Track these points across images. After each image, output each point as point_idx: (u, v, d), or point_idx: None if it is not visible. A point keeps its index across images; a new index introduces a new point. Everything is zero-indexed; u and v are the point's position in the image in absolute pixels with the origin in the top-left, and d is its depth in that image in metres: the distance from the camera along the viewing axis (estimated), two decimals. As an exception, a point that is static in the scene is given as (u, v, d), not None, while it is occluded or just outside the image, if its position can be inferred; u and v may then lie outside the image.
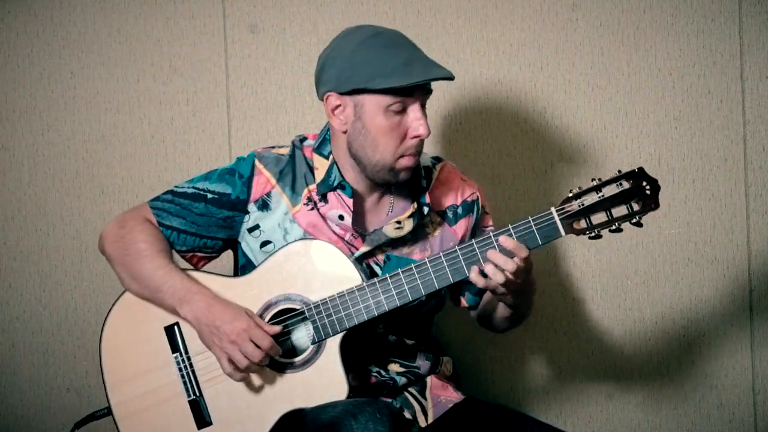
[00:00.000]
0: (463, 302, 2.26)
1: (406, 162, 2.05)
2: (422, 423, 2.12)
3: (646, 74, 2.67)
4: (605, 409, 2.71)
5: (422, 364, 2.18)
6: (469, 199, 2.23)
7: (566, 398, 2.71)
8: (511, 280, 1.96)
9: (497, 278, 1.95)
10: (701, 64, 2.66)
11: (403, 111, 2.03)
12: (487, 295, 2.22)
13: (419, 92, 2.03)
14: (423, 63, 2.03)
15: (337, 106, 2.06)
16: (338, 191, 2.12)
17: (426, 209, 2.15)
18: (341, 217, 2.11)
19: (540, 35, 2.68)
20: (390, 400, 2.12)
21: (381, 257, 2.13)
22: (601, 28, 2.67)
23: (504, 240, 1.95)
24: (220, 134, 2.70)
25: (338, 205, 2.12)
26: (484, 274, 1.96)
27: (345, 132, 2.08)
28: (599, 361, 2.70)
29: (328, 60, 2.07)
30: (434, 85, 2.06)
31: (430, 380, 2.19)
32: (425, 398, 2.16)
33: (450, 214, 2.21)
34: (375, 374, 2.13)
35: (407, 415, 2.12)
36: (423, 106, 2.05)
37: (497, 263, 1.95)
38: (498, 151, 2.69)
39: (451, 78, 2.02)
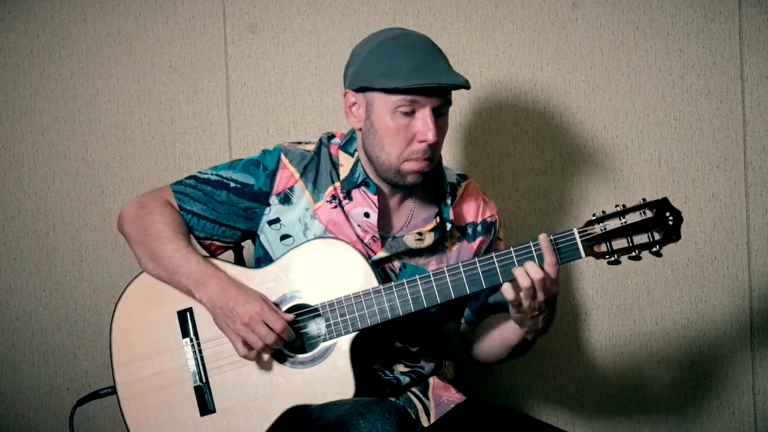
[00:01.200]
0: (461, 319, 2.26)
1: (412, 166, 2.05)
2: (425, 423, 2.12)
3: (646, 74, 2.67)
4: (605, 409, 2.70)
5: (426, 365, 2.19)
6: (489, 220, 2.23)
7: (566, 398, 2.71)
8: (538, 295, 1.94)
9: (525, 283, 1.92)
10: (701, 64, 2.66)
11: (412, 114, 2.03)
12: (490, 320, 2.19)
13: (429, 98, 2.02)
14: (434, 69, 2.02)
15: (353, 104, 2.09)
16: (363, 188, 2.12)
17: (448, 225, 2.15)
18: (366, 215, 2.12)
19: (540, 35, 2.68)
20: (394, 400, 2.12)
21: (397, 264, 2.14)
22: (601, 28, 2.67)
23: (542, 239, 1.94)
24: (220, 134, 2.70)
25: (363, 203, 2.12)
26: (515, 288, 1.95)
27: (360, 129, 2.10)
28: (599, 362, 2.70)
29: (352, 58, 2.10)
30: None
31: (433, 381, 2.19)
32: (428, 398, 2.16)
33: (470, 230, 2.21)
34: (379, 373, 2.14)
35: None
36: (437, 113, 2.05)
37: (528, 270, 1.93)
38: (498, 151, 2.69)
39: (463, 87, 2.02)
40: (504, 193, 2.67)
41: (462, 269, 2.00)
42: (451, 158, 2.67)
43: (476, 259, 2.00)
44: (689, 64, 2.67)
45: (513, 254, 1.98)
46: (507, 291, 1.94)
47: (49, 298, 2.70)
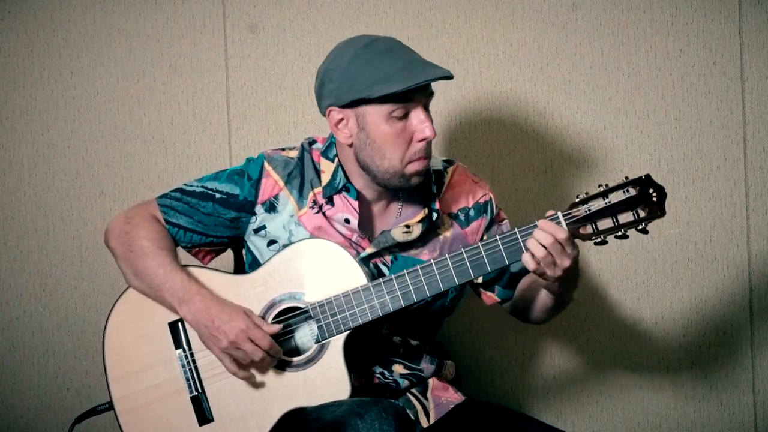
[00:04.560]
0: (494, 297, 2.24)
1: (415, 167, 2.05)
2: (424, 423, 2.12)
3: (646, 74, 2.67)
4: (605, 409, 2.71)
5: (426, 367, 2.18)
6: (481, 201, 2.22)
7: (566, 398, 2.71)
8: (555, 262, 1.92)
9: (540, 253, 1.91)
10: (701, 64, 2.66)
11: (405, 116, 2.02)
12: (522, 287, 2.20)
13: (420, 95, 2.02)
14: (420, 65, 2.02)
15: (340, 120, 2.06)
16: (343, 194, 2.11)
17: (435, 215, 2.14)
18: (347, 221, 2.11)
19: (540, 35, 2.68)
20: (392, 400, 2.12)
21: (388, 258, 2.13)
22: (601, 28, 2.67)
23: (543, 223, 1.93)
24: (220, 134, 2.71)
25: (344, 209, 2.11)
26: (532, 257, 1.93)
27: (351, 145, 2.07)
28: (599, 362, 2.70)
29: (326, 75, 2.06)
30: (434, 85, 2.06)
31: (432, 381, 2.19)
32: (427, 399, 2.16)
33: (461, 216, 2.20)
34: (378, 375, 2.14)
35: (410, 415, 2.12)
36: (426, 108, 2.05)
37: (540, 240, 1.91)
38: (498, 151, 2.69)
39: (449, 77, 2.01)
40: (504, 193, 2.67)
41: (449, 260, 2.00)
42: (451, 158, 2.67)
43: (463, 250, 2.00)
44: (689, 64, 2.67)
45: (499, 242, 1.97)
46: (528, 262, 1.93)
47: (49, 298, 2.71)
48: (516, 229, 1.97)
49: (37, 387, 2.71)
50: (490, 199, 2.23)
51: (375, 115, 2.01)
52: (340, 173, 2.12)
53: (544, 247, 1.91)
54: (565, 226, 1.94)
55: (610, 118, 2.68)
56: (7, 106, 2.70)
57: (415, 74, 1.98)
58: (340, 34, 2.65)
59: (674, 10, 2.66)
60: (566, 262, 1.93)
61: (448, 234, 2.18)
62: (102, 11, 2.70)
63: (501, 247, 1.98)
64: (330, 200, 2.12)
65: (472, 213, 2.21)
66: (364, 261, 2.10)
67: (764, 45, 2.66)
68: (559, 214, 1.95)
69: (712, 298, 2.68)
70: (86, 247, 2.70)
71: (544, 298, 2.11)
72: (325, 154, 2.15)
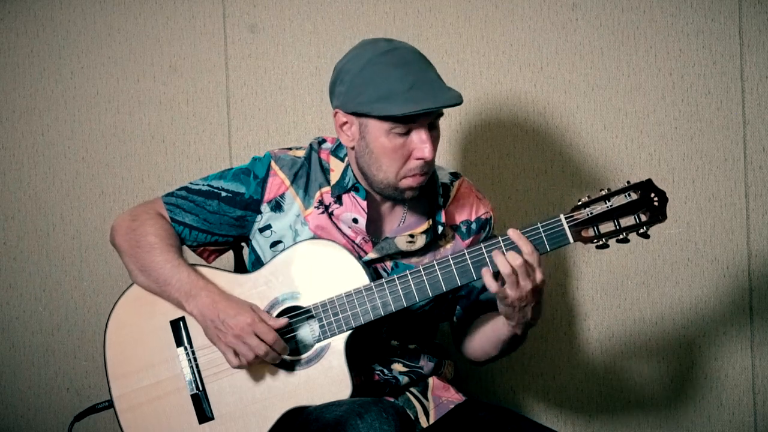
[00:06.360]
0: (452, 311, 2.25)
1: (410, 182, 2.04)
2: (423, 423, 2.13)
3: (646, 74, 2.67)
4: (605, 409, 2.71)
5: (425, 364, 2.18)
6: (483, 217, 2.22)
7: (566, 398, 2.71)
8: (521, 283, 1.93)
9: (506, 270, 1.91)
10: (701, 64, 2.66)
11: (407, 133, 2.01)
12: (480, 318, 2.19)
13: (424, 117, 2.00)
14: (429, 88, 1.99)
15: (344, 123, 2.06)
16: (352, 193, 2.11)
17: (440, 228, 2.14)
18: (355, 221, 2.11)
19: (540, 35, 2.68)
20: (392, 400, 2.13)
21: (389, 264, 2.13)
22: (601, 28, 2.67)
23: (511, 232, 1.94)
24: (220, 134, 2.71)
25: (352, 208, 2.11)
26: (496, 277, 1.94)
27: (352, 148, 2.08)
28: (599, 362, 2.70)
29: (340, 74, 2.06)
30: None
31: (432, 381, 2.19)
32: (427, 399, 2.16)
33: (463, 228, 2.20)
34: (378, 372, 2.14)
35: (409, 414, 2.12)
36: (431, 126, 2.03)
37: (508, 258, 1.92)
38: (498, 151, 2.69)
39: (456, 104, 1.99)
40: (504, 193, 2.67)
41: (452, 261, 2.00)
42: (451, 158, 2.67)
43: (465, 250, 2.00)
44: (689, 64, 2.67)
45: (500, 241, 1.97)
46: (490, 284, 1.93)
47: (49, 298, 2.71)
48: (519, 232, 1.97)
49: (37, 387, 2.71)
50: (491, 218, 2.24)
51: (376, 127, 2.01)
52: (350, 172, 2.12)
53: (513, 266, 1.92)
54: (568, 229, 1.95)
55: (610, 118, 2.68)
56: (7, 106, 2.70)
57: (418, 99, 1.96)
58: (340, 34, 2.66)
59: (674, 10, 2.66)
60: (527, 285, 1.93)
61: (449, 246, 2.18)
62: (102, 11, 2.70)
63: (502, 246, 1.97)
64: (339, 199, 2.12)
65: (474, 226, 2.21)
66: (366, 265, 2.09)
67: (764, 45, 2.66)
68: (562, 216, 1.96)
69: (712, 298, 2.68)
70: (86, 247, 2.70)
71: (500, 327, 2.07)
72: (335, 153, 2.15)
